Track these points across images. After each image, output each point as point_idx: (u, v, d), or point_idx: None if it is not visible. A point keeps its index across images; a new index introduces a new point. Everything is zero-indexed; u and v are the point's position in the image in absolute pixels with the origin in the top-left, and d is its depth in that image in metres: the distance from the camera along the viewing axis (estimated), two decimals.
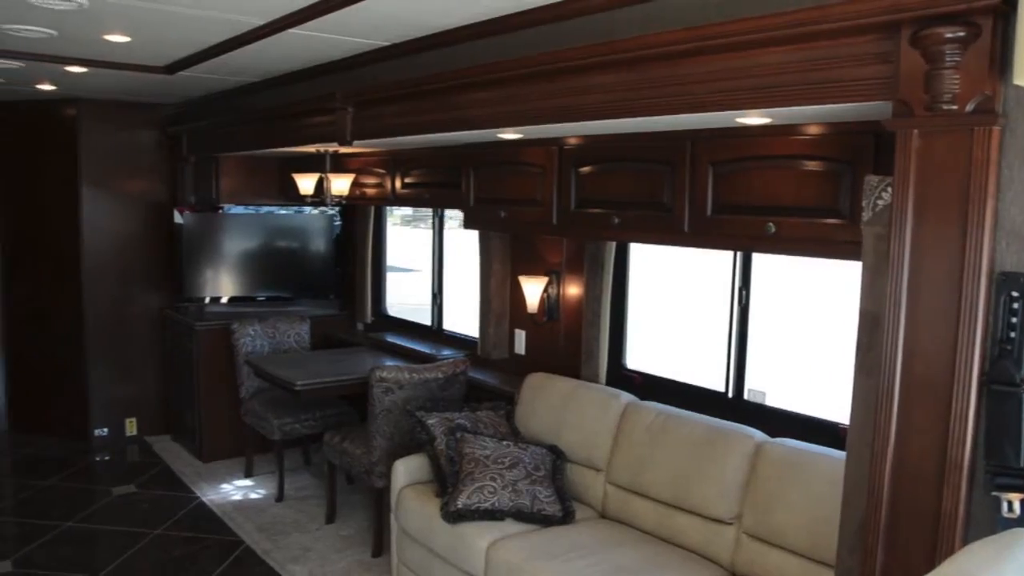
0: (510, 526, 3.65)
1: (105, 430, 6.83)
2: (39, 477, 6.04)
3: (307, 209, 6.43)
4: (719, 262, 3.97)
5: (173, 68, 4.91)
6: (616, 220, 3.57)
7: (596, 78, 2.88)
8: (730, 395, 3.92)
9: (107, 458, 6.55)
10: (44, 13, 3.50)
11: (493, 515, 3.65)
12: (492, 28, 3.43)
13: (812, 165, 2.91)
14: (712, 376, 4.08)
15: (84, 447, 6.69)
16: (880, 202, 2.26)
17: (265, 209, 6.55)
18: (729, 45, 2.42)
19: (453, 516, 3.65)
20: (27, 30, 3.85)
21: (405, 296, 6.53)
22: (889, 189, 2.18)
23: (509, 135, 3.74)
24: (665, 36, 2.57)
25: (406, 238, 6.65)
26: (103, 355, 6.77)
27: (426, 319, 6.01)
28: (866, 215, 2.31)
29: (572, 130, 3.54)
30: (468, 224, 4.50)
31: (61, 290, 6.78)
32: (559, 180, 3.87)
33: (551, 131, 3.57)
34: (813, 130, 2.90)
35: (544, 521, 3.69)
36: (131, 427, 6.93)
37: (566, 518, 3.73)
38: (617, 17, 2.95)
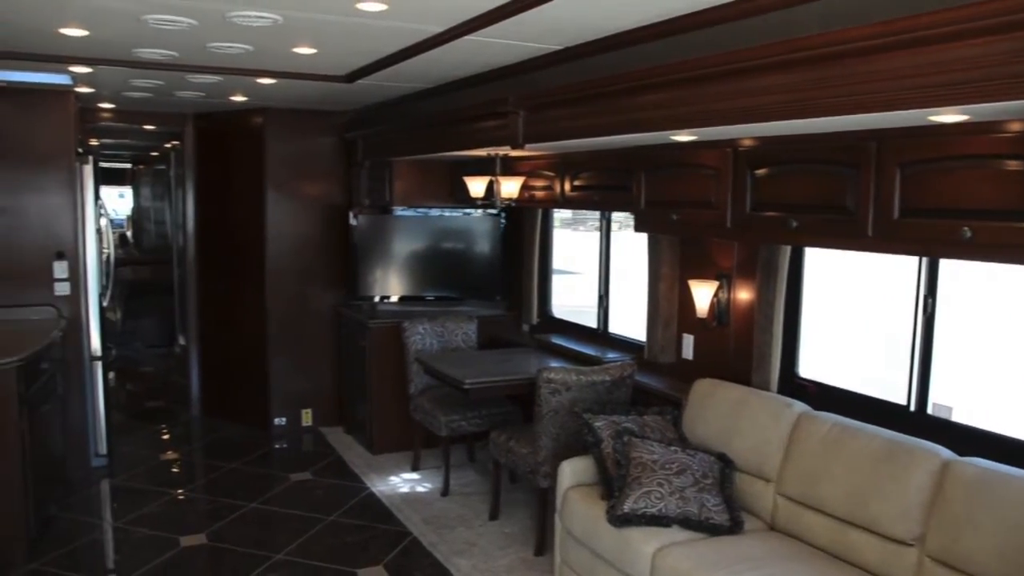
0: (676, 533, 3.60)
1: (283, 420, 7.25)
2: (226, 460, 6.49)
3: (474, 211, 6.58)
4: (901, 268, 3.77)
5: (353, 77, 5.15)
6: (794, 224, 3.46)
7: (775, 78, 2.79)
8: (912, 408, 3.71)
9: (285, 446, 6.96)
10: (244, 30, 3.76)
11: (660, 521, 3.61)
12: (665, 29, 3.40)
13: (1015, 164, 2.70)
14: (892, 388, 3.87)
15: (265, 434, 7.13)
16: None
17: (434, 211, 6.75)
18: (922, 39, 2.30)
19: (619, 520, 3.64)
20: (228, 47, 4.15)
21: (565, 298, 6.56)
22: None
23: (683, 137, 3.70)
24: (851, 32, 2.47)
25: (566, 240, 6.68)
26: (283, 349, 7.19)
27: (586, 321, 6.02)
28: None
29: (748, 131, 3.46)
30: (639, 227, 4.47)
31: (247, 288, 7.25)
32: (734, 182, 3.78)
33: (726, 133, 3.49)
34: (1016, 127, 2.70)
35: (711, 530, 3.62)
36: (307, 418, 7.32)
37: (734, 528, 3.64)
38: (796, 14, 2.86)
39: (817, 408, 3.82)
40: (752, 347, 4.25)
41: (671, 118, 3.27)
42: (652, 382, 4.77)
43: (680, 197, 4.14)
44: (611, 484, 3.85)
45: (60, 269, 5.92)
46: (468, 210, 6.63)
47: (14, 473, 4.54)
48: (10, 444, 4.50)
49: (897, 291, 3.89)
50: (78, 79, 5.37)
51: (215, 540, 5.01)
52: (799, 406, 3.83)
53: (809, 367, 4.31)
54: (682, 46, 3.35)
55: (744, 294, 4.40)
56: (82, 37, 3.96)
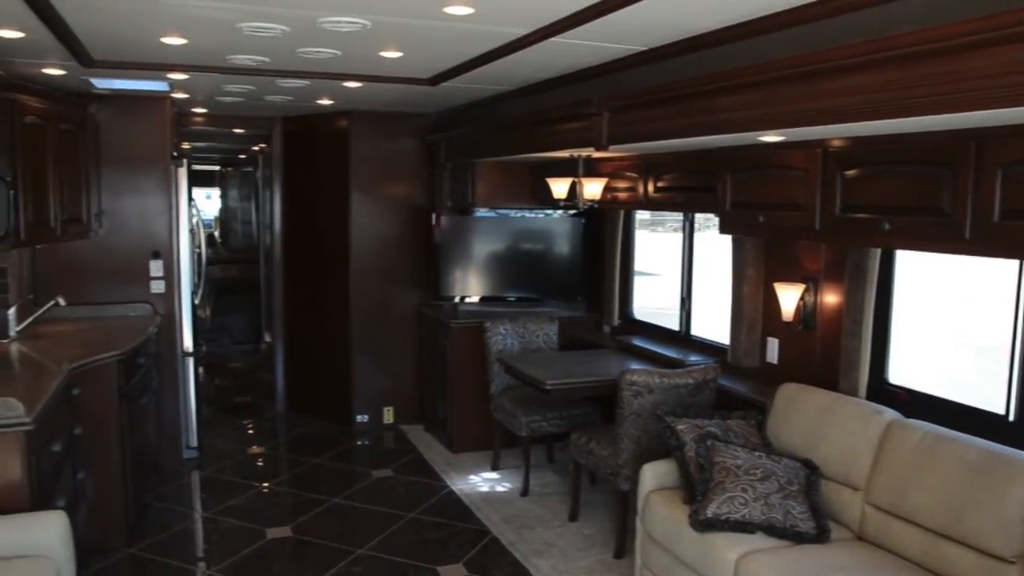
0: (760, 540, 3.54)
1: (366, 417, 7.39)
2: (310, 455, 6.65)
3: (554, 212, 6.60)
4: (1000, 272, 3.63)
5: (437, 80, 5.21)
6: (886, 226, 3.36)
7: (868, 77, 2.72)
8: (1011, 419, 3.57)
9: (367, 443, 7.08)
10: (333, 35, 3.84)
11: (744, 527, 3.55)
12: (752, 29, 3.36)
13: None
14: (990, 397, 3.74)
15: (347, 431, 7.28)
16: None
17: (514, 212, 6.78)
18: None
19: (702, 525, 3.60)
20: (317, 52, 4.26)
21: (644, 300, 6.52)
22: None
23: (770, 138, 3.64)
24: (948, 29, 2.39)
25: (644, 242, 6.64)
26: (366, 348, 7.32)
27: (665, 323, 5.97)
28: None
29: (838, 131, 3.38)
30: (724, 229, 4.41)
31: (332, 287, 7.41)
32: (823, 184, 3.70)
33: (815, 133, 3.42)
34: None
35: (797, 538, 3.55)
36: (388, 415, 7.44)
37: (820, 536, 3.56)
38: (889, 12, 2.79)
39: (908, 415, 3.71)
40: (839, 352, 4.16)
41: (759, 119, 3.22)
42: (735, 386, 4.70)
43: (767, 199, 4.06)
44: (694, 488, 3.82)
45: (156, 268, 6.17)
46: (548, 211, 6.65)
47: (115, 462, 4.75)
48: (112, 435, 4.71)
49: (996, 296, 3.75)
50: (175, 85, 5.58)
51: (300, 533, 5.13)
52: (889, 413, 3.72)
53: (900, 373, 4.20)
54: (768, 46, 3.30)
55: (831, 297, 4.30)
56: (181, 45, 4.12)
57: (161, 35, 3.92)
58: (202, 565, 4.77)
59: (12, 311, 5.00)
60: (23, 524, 3.12)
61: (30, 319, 5.21)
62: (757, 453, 3.76)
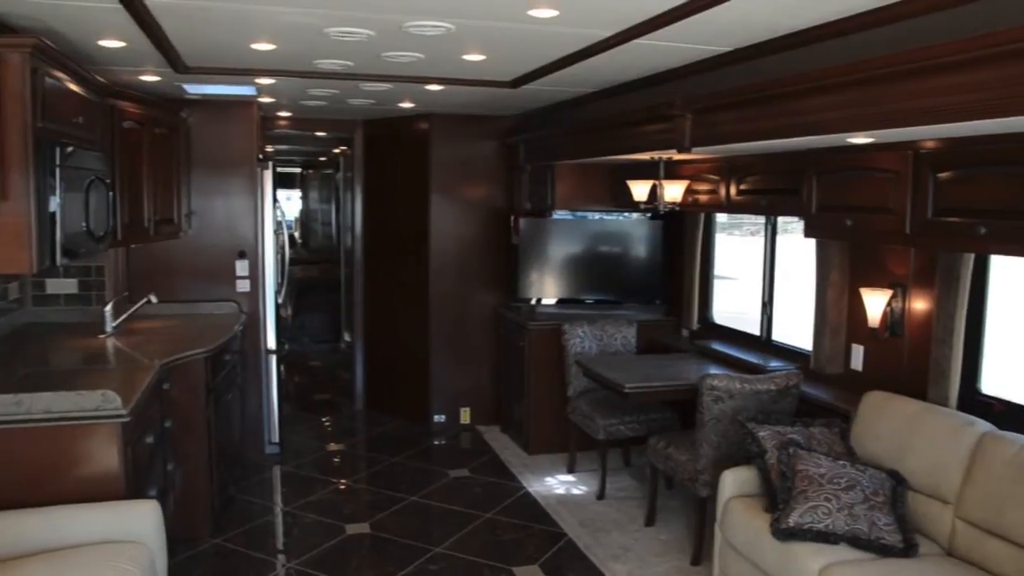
0: (844, 551, 3.46)
1: (443, 417, 7.46)
2: (388, 454, 6.75)
3: (632, 214, 6.56)
4: None
5: (518, 82, 5.23)
6: (982, 230, 3.24)
7: (969, 75, 2.64)
8: None
9: (443, 443, 7.14)
10: (417, 39, 3.89)
11: (827, 537, 3.48)
12: (843, 28, 3.28)
13: None
14: None
15: (424, 430, 7.36)
16: None
17: (593, 215, 6.76)
18: None
19: (784, 533, 3.53)
20: (401, 56, 4.32)
21: (721, 304, 6.42)
22: None
23: (859, 139, 3.55)
24: None
25: (720, 245, 6.53)
26: (444, 348, 7.40)
27: (743, 328, 5.88)
28: None
29: (930, 132, 3.27)
30: (809, 232, 4.32)
31: (411, 287, 7.50)
32: (914, 186, 3.59)
33: (906, 134, 3.32)
34: None
35: (882, 551, 3.45)
36: (465, 416, 7.50)
37: (907, 551, 3.45)
38: (990, 7, 2.69)
39: (1003, 427, 3.56)
40: (928, 360, 4.02)
41: (850, 120, 3.14)
42: (818, 393, 4.60)
43: (855, 201, 3.95)
44: (775, 496, 3.75)
45: (242, 267, 6.35)
46: (626, 213, 6.61)
47: (202, 455, 4.90)
48: (199, 429, 4.86)
49: None
50: (262, 90, 5.73)
51: (377, 530, 5.21)
52: (982, 425, 3.58)
53: (994, 383, 4.04)
54: (857, 45, 3.23)
55: (921, 304, 4.17)
56: (270, 51, 4.23)
57: (251, 41, 4.03)
58: (282, 558, 4.88)
59: (108, 308, 5.21)
60: (120, 511, 3.25)
61: (124, 316, 5.41)
62: (841, 462, 3.68)
